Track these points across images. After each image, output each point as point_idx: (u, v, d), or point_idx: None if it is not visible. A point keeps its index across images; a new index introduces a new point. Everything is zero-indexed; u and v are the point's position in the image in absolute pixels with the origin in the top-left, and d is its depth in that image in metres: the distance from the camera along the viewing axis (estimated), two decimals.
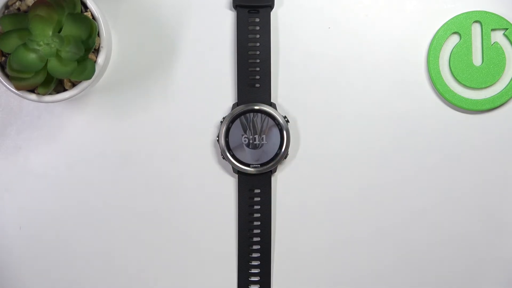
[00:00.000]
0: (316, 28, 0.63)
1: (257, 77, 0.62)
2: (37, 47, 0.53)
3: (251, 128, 0.61)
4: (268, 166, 0.61)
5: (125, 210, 0.63)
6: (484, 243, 0.63)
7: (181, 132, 0.63)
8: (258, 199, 0.63)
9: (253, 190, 0.62)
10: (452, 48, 0.62)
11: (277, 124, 0.61)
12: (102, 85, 0.62)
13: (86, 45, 0.55)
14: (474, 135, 0.63)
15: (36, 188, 0.63)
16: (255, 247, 0.63)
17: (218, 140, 0.61)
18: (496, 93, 0.63)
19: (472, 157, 0.63)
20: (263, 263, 0.63)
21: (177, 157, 0.63)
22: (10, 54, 0.54)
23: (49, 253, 0.63)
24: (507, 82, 0.63)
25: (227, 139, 0.61)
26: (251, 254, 0.63)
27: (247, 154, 0.61)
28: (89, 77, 0.55)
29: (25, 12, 0.56)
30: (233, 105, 0.62)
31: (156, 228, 0.63)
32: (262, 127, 0.61)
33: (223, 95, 0.63)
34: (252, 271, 0.63)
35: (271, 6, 0.62)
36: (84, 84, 0.57)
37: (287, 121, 0.61)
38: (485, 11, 0.62)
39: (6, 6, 0.56)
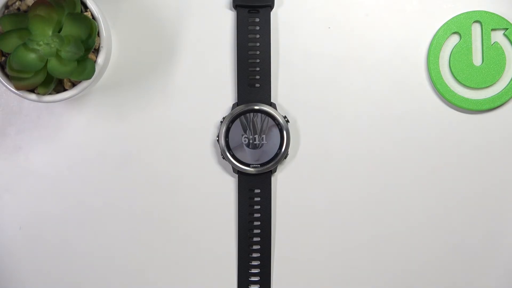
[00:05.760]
0: (316, 28, 0.63)
1: (257, 77, 0.62)
2: (37, 47, 0.53)
3: (251, 128, 0.61)
4: (268, 166, 0.61)
5: (125, 210, 0.63)
6: (485, 243, 0.63)
7: (181, 132, 0.63)
8: (258, 199, 0.63)
9: (253, 190, 0.62)
10: (452, 48, 0.62)
11: (277, 124, 0.61)
12: (102, 85, 0.62)
13: (86, 45, 0.55)
14: (474, 135, 0.63)
15: (36, 188, 0.63)
16: (255, 247, 0.63)
17: (218, 140, 0.61)
18: (496, 93, 0.63)
19: (472, 157, 0.63)
20: (263, 263, 0.63)
21: (177, 157, 0.63)
22: (10, 54, 0.54)
23: (49, 253, 0.63)
24: (507, 82, 0.63)
25: (227, 139, 0.61)
26: (251, 254, 0.63)
27: (247, 154, 0.61)
28: (89, 77, 0.55)
29: (25, 12, 0.56)
30: (233, 105, 0.62)
31: (156, 228, 0.63)
32: (262, 127, 0.61)
33: (223, 95, 0.63)
34: (252, 271, 0.63)
35: (271, 6, 0.62)
36: (84, 84, 0.57)
37: (287, 121, 0.61)
38: (485, 11, 0.62)
39: (6, 6, 0.56)
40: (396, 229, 0.63)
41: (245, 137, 0.61)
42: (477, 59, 0.62)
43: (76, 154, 0.63)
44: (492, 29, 0.62)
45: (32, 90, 0.56)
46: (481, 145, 0.63)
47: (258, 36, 0.62)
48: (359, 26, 0.63)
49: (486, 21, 0.62)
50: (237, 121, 0.61)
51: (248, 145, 0.61)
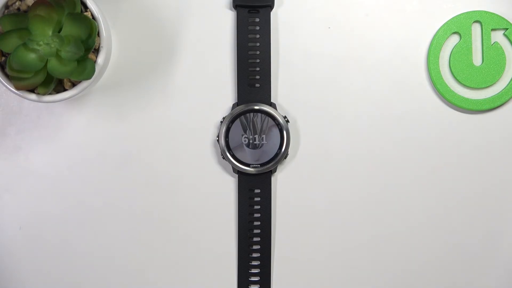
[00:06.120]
0: (316, 28, 0.63)
1: (257, 77, 0.62)
2: (37, 47, 0.53)
3: (251, 128, 0.61)
4: (268, 166, 0.61)
5: (125, 210, 0.63)
6: (485, 243, 0.63)
7: (181, 132, 0.63)
8: (258, 199, 0.63)
9: (253, 190, 0.62)
10: (452, 48, 0.62)
11: (277, 124, 0.61)
12: (102, 85, 0.62)
13: (86, 45, 0.55)
14: (474, 135, 0.63)
15: (36, 188, 0.63)
16: (255, 247, 0.63)
17: (218, 140, 0.61)
18: (496, 93, 0.63)
19: (472, 157, 0.63)
20: (263, 263, 0.63)
21: (177, 157, 0.63)
22: (10, 54, 0.54)
23: (49, 253, 0.63)
24: (507, 82, 0.63)
25: (227, 139, 0.61)
26: (251, 254, 0.63)
27: (247, 154, 0.61)
28: (89, 77, 0.55)
29: (25, 12, 0.56)
30: (233, 105, 0.62)
31: (156, 228, 0.63)
32: (262, 127, 0.61)
33: (223, 95, 0.63)
34: (252, 271, 0.63)
35: (271, 6, 0.62)
36: (84, 84, 0.57)
37: (287, 121, 0.61)
38: (485, 11, 0.62)
39: (6, 6, 0.56)
40: (396, 229, 0.63)
41: (245, 137, 0.61)
42: (477, 59, 0.62)
43: (76, 154, 0.63)
44: (492, 29, 0.62)
45: (32, 90, 0.56)
46: (481, 145, 0.63)
47: (258, 36, 0.62)
48: (359, 26, 0.63)
49: (486, 21, 0.62)
50: (237, 121, 0.61)
51: (248, 145, 0.61)
